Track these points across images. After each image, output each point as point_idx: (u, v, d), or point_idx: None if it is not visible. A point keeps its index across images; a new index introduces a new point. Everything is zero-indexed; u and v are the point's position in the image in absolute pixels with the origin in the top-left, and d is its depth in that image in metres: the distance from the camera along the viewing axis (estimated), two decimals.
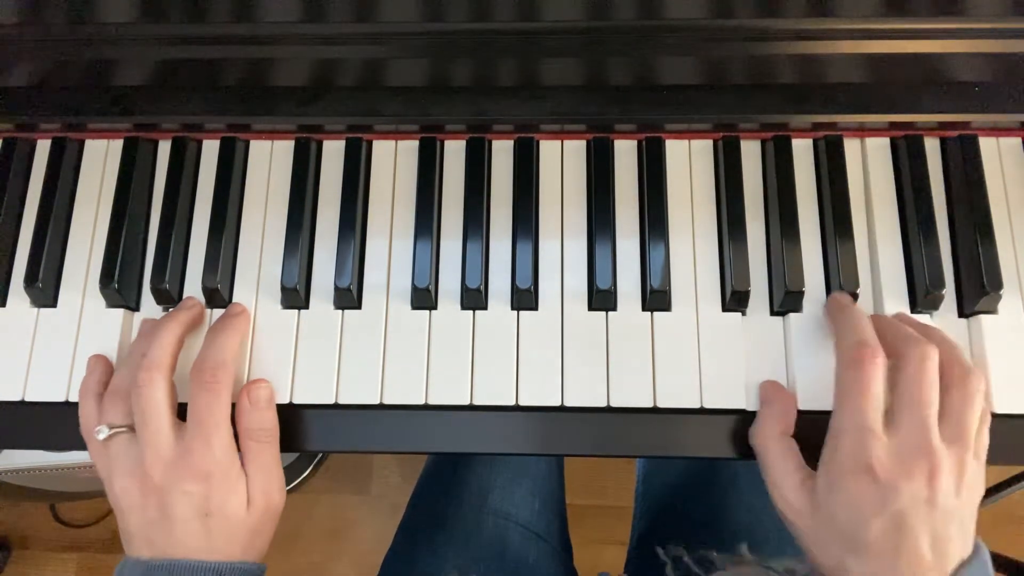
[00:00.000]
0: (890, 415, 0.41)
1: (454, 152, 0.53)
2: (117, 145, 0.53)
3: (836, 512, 0.41)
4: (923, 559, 0.39)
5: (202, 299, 0.50)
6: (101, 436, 0.44)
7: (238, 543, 0.45)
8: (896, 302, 0.49)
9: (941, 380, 0.42)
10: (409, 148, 0.53)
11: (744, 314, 0.49)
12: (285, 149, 0.53)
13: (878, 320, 0.45)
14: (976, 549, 0.41)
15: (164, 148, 0.53)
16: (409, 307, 0.49)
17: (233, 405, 0.46)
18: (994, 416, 0.46)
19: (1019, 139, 0.52)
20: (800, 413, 0.46)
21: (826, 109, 0.50)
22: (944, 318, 0.48)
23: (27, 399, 0.49)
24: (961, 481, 0.40)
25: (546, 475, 0.76)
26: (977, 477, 0.41)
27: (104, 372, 0.48)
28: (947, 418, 0.41)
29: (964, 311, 0.48)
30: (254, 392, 0.46)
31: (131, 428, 0.45)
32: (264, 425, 0.46)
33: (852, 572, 0.40)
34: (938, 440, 0.40)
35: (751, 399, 0.47)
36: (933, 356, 0.41)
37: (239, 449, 0.46)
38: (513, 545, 0.67)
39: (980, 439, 0.42)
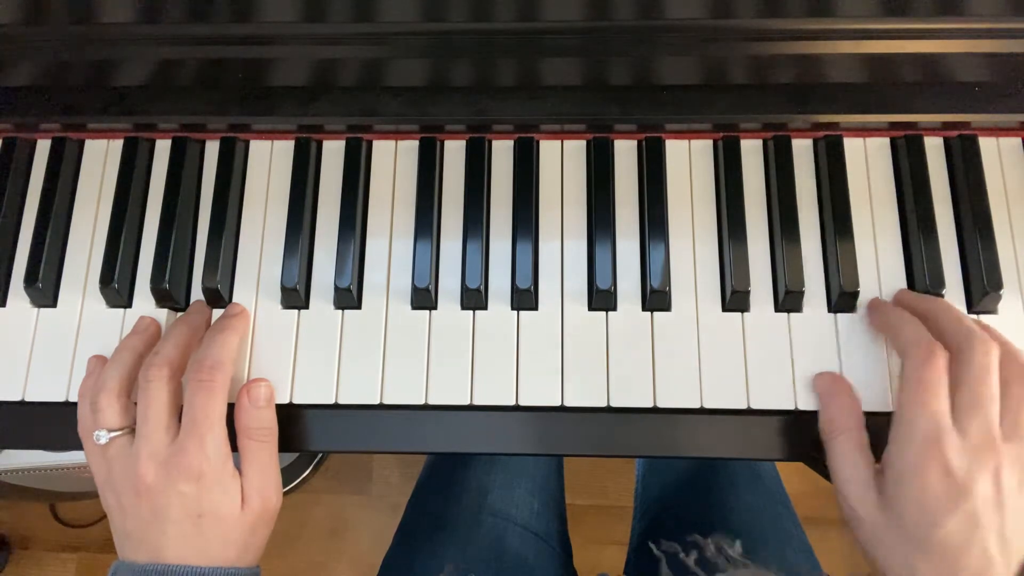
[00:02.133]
0: (955, 411, 0.41)
1: (454, 152, 0.53)
2: (117, 145, 0.54)
3: (906, 510, 0.40)
4: (992, 558, 0.39)
5: (202, 299, 0.50)
6: (102, 440, 0.44)
7: (232, 544, 0.45)
8: None
9: (999, 376, 0.41)
10: (409, 148, 0.53)
11: (745, 314, 0.49)
12: (285, 149, 0.53)
13: (938, 310, 0.44)
14: None
15: (164, 148, 0.53)
16: (409, 307, 0.49)
17: (232, 404, 0.46)
18: None
19: (1019, 139, 0.52)
20: (800, 412, 0.47)
21: (826, 109, 0.50)
22: None
23: (27, 399, 0.49)
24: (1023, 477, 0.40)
25: (545, 476, 0.76)
26: None
27: None
28: (1006, 415, 0.40)
29: (973, 308, 0.48)
30: (254, 391, 0.46)
31: (128, 430, 0.45)
32: (263, 424, 0.46)
33: (920, 573, 0.39)
34: (1001, 437, 0.40)
35: (751, 398, 0.47)
36: (995, 352, 0.41)
37: (237, 449, 0.46)
38: (512, 546, 0.67)
39: None
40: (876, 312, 0.47)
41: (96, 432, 0.44)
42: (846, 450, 0.43)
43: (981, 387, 0.40)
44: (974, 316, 0.48)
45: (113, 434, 0.44)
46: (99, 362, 0.48)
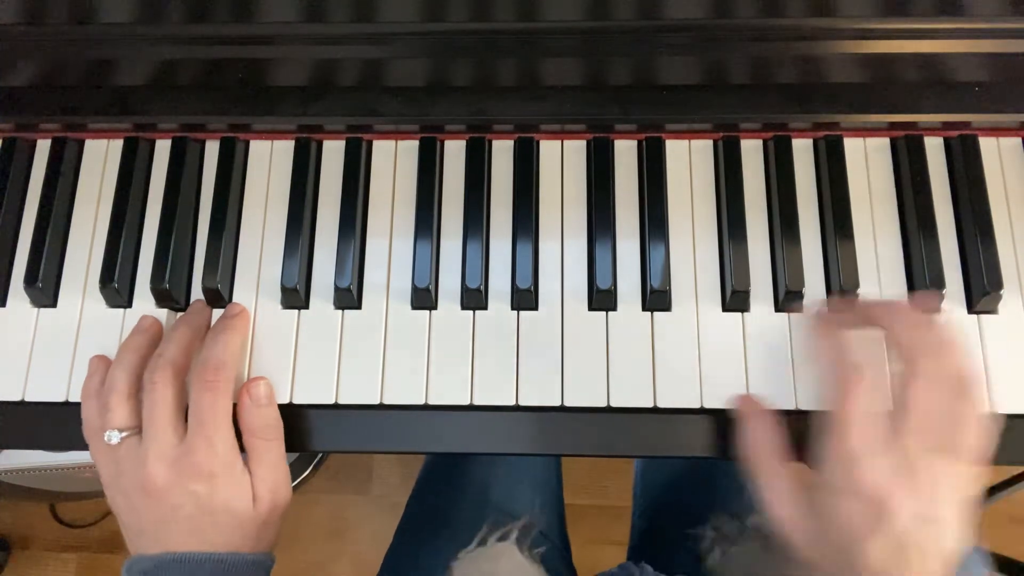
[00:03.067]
0: (890, 422, 0.40)
1: (454, 152, 0.53)
2: (117, 145, 0.53)
3: (831, 534, 0.40)
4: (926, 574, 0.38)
5: (202, 299, 0.50)
6: (114, 441, 0.44)
7: (247, 538, 0.46)
8: None
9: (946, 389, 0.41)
10: (409, 148, 0.53)
11: (745, 314, 0.49)
12: (285, 149, 0.53)
13: (896, 313, 0.43)
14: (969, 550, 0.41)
15: (164, 148, 0.53)
16: (409, 307, 0.49)
17: (235, 405, 0.46)
18: (994, 416, 0.46)
19: (1019, 139, 0.52)
20: (801, 413, 0.46)
21: (826, 109, 0.50)
22: (952, 316, 0.48)
23: (27, 399, 0.49)
24: (955, 491, 0.39)
25: (545, 473, 0.76)
26: (971, 483, 0.40)
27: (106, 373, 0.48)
28: (941, 429, 0.40)
29: (973, 308, 0.48)
30: (253, 390, 0.47)
31: (137, 430, 0.45)
32: (267, 422, 0.47)
33: None
34: (932, 453, 0.39)
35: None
36: (942, 373, 0.40)
37: (243, 447, 0.46)
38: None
39: (977, 444, 0.40)
40: (811, 319, 0.47)
41: (107, 432, 0.45)
42: (772, 471, 0.43)
43: (917, 410, 0.39)
44: (976, 316, 0.48)
45: (124, 434, 0.45)
46: (100, 362, 0.48)
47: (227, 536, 0.45)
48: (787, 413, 0.47)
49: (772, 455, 0.44)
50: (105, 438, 0.45)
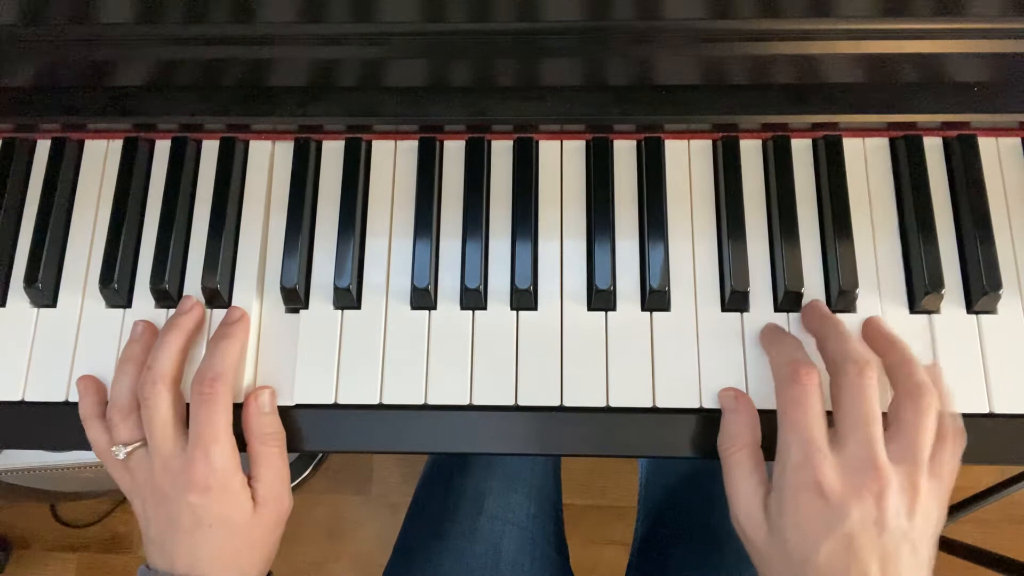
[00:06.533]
0: (835, 432, 0.41)
1: (453, 152, 0.53)
2: (117, 145, 0.54)
3: (787, 534, 0.40)
4: None
5: (202, 299, 0.50)
6: (120, 456, 0.45)
7: (245, 549, 0.46)
8: (896, 303, 0.49)
9: (893, 396, 0.41)
10: (409, 148, 0.53)
11: (744, 314, 0.49)
12: (285, 149, 0.53)
13: (826, 330, 0.45)
14: None
15: (164, 148, 0.53)
16: (408, 307, 0.49)
17: (239, 412, 0.47)
18: (994, 416, 0.46)
19: (1019, 139, 0.52)
20: None
21: (826, 109, 0.50)
22: (951, 316, 0.48)
23: (27, 399, 0.49)
24: (914, 503, 0.39)
25: (542, 479, 0.76)
26: (932, 499, 0.39)
27: (97, 391, 0.48)
28: (896, 436, 0.40)
29: (972, 309, 0.48)
30: (260, 397, 0.47)
31: (143, 441, 0.46)
32: (271, 429, 0.47)
33: None
34: (885, 458, 0.39)
35: (753, 399, 0.47)
36: (869, 371, 0.40)
37: (245, 450, 0.47)
38: (509, 551, 0.67)
39: (941, 459, 0.40)
40: (761, 333, 0.48)
41: (114, 448, 0.46)
42: (742, 466, 0.43)
43: (855, 404, 0.40)
44: (975, 316, 0.48)
45: (128, 448, 0.45)
46: (89, 382, 0.48)
47: (224, 550, 0.45)
48: None
49: (749, 447, 0.44)
50: (113, 453, 0.46)
